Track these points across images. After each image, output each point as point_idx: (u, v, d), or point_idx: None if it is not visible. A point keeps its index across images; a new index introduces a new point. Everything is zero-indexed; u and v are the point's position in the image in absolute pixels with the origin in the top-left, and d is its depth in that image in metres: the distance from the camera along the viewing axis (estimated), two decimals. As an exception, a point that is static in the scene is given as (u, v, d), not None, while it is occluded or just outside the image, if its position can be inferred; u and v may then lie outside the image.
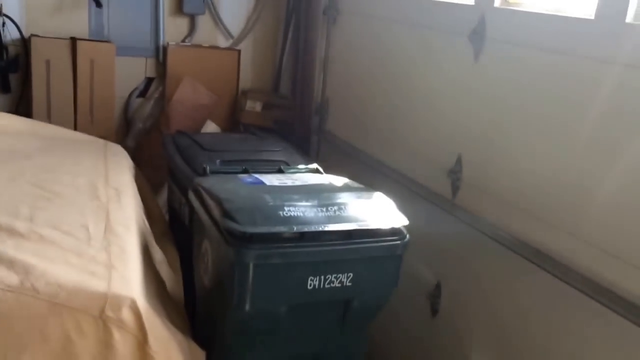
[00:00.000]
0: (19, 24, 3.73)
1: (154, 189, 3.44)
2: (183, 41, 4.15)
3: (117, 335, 1.86)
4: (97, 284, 1.91)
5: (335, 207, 2.24)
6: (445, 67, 2.84)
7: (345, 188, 2.48)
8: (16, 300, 1.82)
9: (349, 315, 2.32)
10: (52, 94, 3.75)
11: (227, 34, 4.24)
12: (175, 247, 2.83)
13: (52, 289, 1.85)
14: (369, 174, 3.08)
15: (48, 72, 3.73)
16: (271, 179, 2.48)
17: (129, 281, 1.99)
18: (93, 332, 1.85)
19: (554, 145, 2.26)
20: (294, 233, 2.12)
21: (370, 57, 3.42)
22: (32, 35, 3.73)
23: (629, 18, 2.00)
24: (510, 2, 2.54)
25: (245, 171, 2.63)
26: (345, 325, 2.35)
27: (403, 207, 2.33)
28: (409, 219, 2.27)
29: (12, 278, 1.86)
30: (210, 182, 2.40)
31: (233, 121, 4.23)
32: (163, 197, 3.61)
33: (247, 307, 2.13)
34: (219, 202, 2.19)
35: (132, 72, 4.07)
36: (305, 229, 2.12)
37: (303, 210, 2.19)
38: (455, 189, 2.73)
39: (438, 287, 2.86)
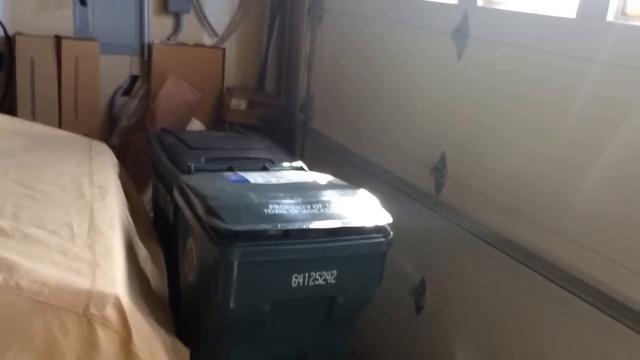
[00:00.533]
0: (3, 21, 3.72)
1: (139, 186, 3.43)
2: (168, 39, 4.14)
3: (101, 333, 1.86)
4: (81, 282, 1.90)
5: (320, 205, 2.25)
6: (428, 66, 2.85)
7: (330, 186, 2.49)
8: (0, 298, 1.82)
9: (333, 313, 2.32)
10: (36, 92, 3.74)
11: (212, 32, 4.24)
12: (159, 245, 2.82)
13: (36, 287, 1.84)
14: (353, 172, 3.08)
15: (32, 70, 3.72)
16: (256, 177, 2.49)
17: (113, 279, 1.99)
18: (77, 329, 1.84)
19: (536, 142, 2.28)
20: (279, 230, 2.13)
21: (355, 55, 3.43)
22: (17, 33, 3.72)
23: (610, 17, 2.02)
24: (492, 1, 2.55)
25: (230, 169, 2.64)
26: (330, 323, 2.36)
27: (387, 205, 2.35)
28: (393, 216, 2.29)
29: (-4, 276, 1.85)
30: (195, 180, 2.40)
31: (218, 119, 4.23)
32: (148, 195, 3.61)
33: (232, 304, 2.13)
34: (203, 199, 2.19)
35: (117, 70, 4.06)
36: (290, 227, 2.13)
37: (287, 207, 2.19)
38: (439, 186, 2.74)
39: (422, 284, 2.88)
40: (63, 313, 1.84)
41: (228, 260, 2.07)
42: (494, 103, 2.47)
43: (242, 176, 2.49)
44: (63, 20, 3.86)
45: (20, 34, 3.72)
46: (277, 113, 4.08)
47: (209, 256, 2.13)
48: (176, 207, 2.49)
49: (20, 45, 3.69)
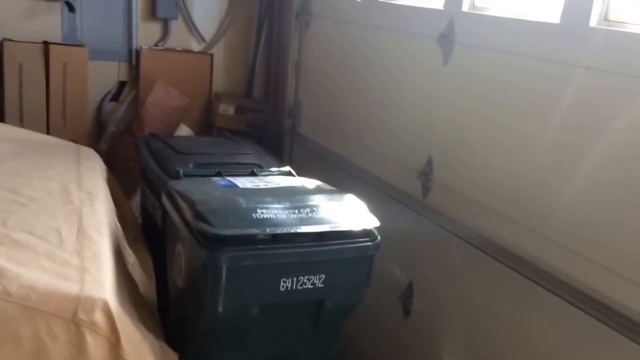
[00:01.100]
0: (-10, 28, 3.72)
1: (127, 192, 3.43)
2: (156, 45, 4.15)
3: (89, 338, 1.86)
4: (70, 287, 1.91)
5: (308, 209, 2.26)
6: (415, 71, 2.87)
7: (317, 190, 2.51)
8: (-12, 304, 1.82)
9: (321, 317, 2.33)
10: (24, 98, 3.73)
11: (200, 38, 4.24)
12: (148, 250, 2.82)
13: (25, 292, 1.84)
14: (341, 176, 3.10)
15: (20, 76, 3.71)
16: (244, 182, 2.50)
17: (101, 284, 1.99)
18: (65, 335, 1.84)
19: (521, 146, 2.31)
20: (267, 235, 2.14)
21: (342, 61, 3.45)
22: (5, 39, 3.71)
23: (593, 22, 2.05)
24: (478, 7, 2.58)
25: (218, 174, 2.64)
26: (318, 327, 2.37)
27: (374, 209, 2.36)
28: (380, 220, 2.30)
29: (-16, 282, 1.85)
30: (183, 185, 2.41)
31: (206, 124, 4.23)
32: (136, 201, 3.60)
33: (220, 308, 2.14)
34: (192, 204, 2.20)
35: (105, 76, 4.05)
36: (278, 231, 2.14)
37: (275, 212, 2.20)
38: (425, 190, 2.76)
39: (410, 287, 2.89)
40: (51, 318, 1.84)
41: (216, 264, 2.08)
42: (480, 107, 2.49)
43: (230, 181, 2.50)
44: (51, 26, 3.85)
45: (9, 39, 3.71)
46: (265, 118, 4.09)
47: (197, 261, 2.14)
48: (165, 212, 2.50)
49: (8, 51, 3.69)
